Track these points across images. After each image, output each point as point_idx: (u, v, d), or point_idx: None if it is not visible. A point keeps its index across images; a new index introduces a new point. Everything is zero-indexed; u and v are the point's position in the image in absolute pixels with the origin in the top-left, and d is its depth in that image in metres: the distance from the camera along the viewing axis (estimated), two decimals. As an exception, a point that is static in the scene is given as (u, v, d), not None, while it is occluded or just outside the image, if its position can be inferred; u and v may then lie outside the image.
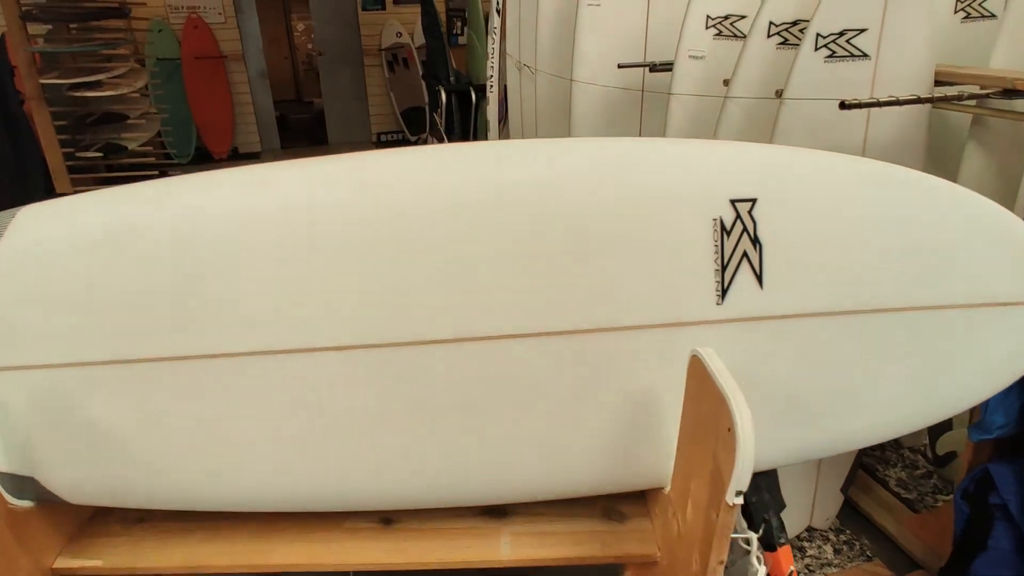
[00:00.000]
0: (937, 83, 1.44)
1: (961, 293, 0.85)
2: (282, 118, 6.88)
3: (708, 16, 1.67)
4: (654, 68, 1.97)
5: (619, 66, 2.09)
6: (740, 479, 0.64)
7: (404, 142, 6.84)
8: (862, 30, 1.33)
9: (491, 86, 3.07)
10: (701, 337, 0.86)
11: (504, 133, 3.38)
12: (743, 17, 1.68)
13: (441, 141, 3.35)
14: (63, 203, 0.94)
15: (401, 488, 0.91)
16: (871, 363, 0.86)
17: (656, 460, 0.91)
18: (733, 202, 0.84)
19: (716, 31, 1.68)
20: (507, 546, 0.96)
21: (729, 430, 0.65)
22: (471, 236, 0.83)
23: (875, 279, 0.84)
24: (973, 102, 1.33)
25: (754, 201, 0.84)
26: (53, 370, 0.89)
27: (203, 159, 6.01)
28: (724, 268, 0.85)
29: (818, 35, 1.33)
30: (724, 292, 0.85)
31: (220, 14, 5.66)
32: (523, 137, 3.02)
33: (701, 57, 1.69)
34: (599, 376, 0.87)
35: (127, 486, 0.93)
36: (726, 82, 1.64)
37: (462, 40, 5.71)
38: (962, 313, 0.85)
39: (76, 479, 0.92)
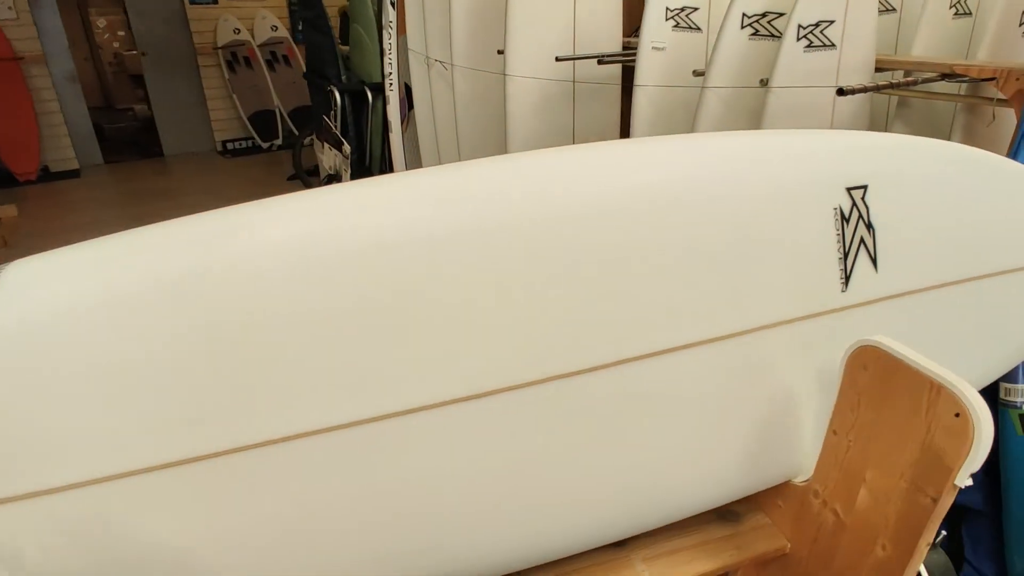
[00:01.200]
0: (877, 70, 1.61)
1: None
2: (97, 128, 5.92)
3: (667, 8, 1.70)
4: (602, 61, 1.97)
5: (557, 59, 2.06)
6: (974, 463, 0.64)
7: (255, 150, 6.25)
8: (831, 22, 1.44)
9: (391, 84, 2.89)
10: (831, 325, 0.86)
11: (409, 133, 3.22)
12: (696, 9, 1.74)
13: (334, 145, 3.10)
14: (63, 256, 0.69)
15: (564, 530, 0.81)
16: (975, 324, 0.93)
17: (788, 455, 0.91)
18: (849, 190, 0.85)
19: (675, 23, 1.72)
20: (646, 574, 0.90)
21: (958, 415, 0.65)
22: (623, 246, 0.75)
23: (970, 249, 0.90)
24: (957, 88, 1.48)
25: (866, 188, 0.86)
26: (84, 489, 0.66)
27: (4, 183, 4.98)
28: (846, 256, 0.86)
29: (799, 26, 1.41)
30: (848, 279, 0.86)
31: (11, 9, 4.70)
32: (436, 136, 2.88)
33: (663, 48, 1.72)
34: (742, 380, 0.84)
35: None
36: (697, 72, 1.68)
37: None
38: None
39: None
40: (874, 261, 0.88)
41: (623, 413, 0.79)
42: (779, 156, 0.85)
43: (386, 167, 3.44)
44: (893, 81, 1.47)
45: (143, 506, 0.68)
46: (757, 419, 0.87)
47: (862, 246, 0.87)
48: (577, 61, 2.09)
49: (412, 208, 0.71)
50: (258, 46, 5.90)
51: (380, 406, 0.70)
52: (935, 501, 0.69)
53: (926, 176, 0.90)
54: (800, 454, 0.91)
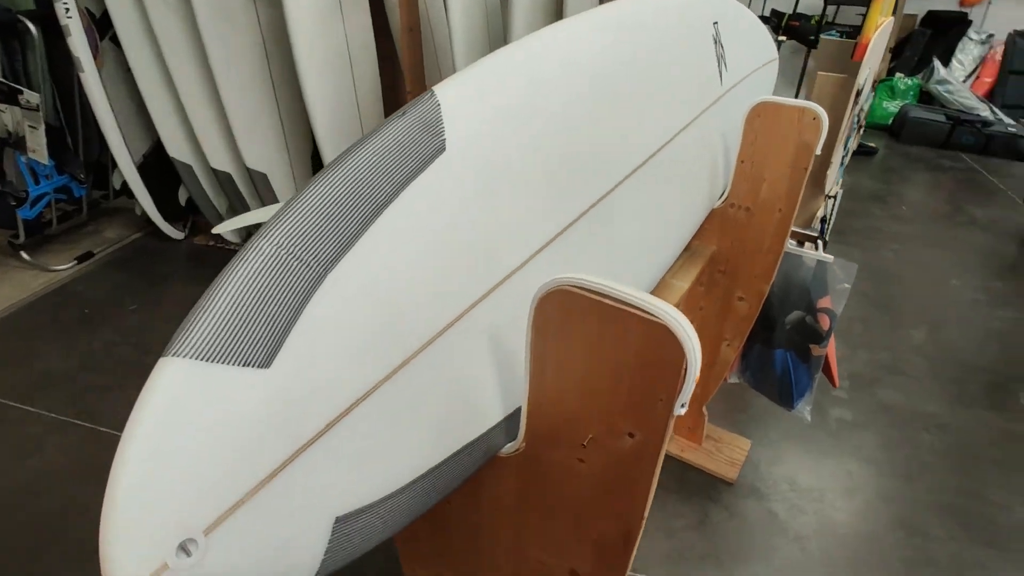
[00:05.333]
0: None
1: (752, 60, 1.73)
2: None
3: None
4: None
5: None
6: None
7: None
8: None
9: (67, 10, 2.38)
10: (720, 104, 1.49)
11: (108, 70, 2.70)
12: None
13: (5, 100, 2.42)
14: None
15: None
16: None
17: (718, 188, 1.54)
18: (714, 24, 1.46)
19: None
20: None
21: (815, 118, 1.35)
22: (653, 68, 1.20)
23: (748, 53, 1.63)
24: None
25: (717, 23, 1.48)
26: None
27: None
28: (719, 63, 1.48)
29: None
30: (721, 77, 1.49)
31: None
32: (170, 70, 2.53)
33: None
34: (704, 147, 1.41)
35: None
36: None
37: None
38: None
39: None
40: (725, 65, 1.52)
41: (668, 180, 1.27)
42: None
43: (73, 118, 2.78)
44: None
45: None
46: (707, 170, 1.46)
47: (722, 57, 1.50)
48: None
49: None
50: None
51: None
52: (806, 170, 1.40)
53: (726, 13, 1.57)
54: (724, 184, 1.56)
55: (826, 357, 1.65)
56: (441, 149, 0.66)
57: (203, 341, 0.46)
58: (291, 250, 0.52)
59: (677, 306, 0.79)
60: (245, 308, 0.49)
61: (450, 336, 0.66)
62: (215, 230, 2.00)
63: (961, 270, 3.38)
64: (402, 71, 2.43)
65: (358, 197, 0.57)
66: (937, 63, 5.61)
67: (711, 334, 1.81)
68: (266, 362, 0.49)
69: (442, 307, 0.65)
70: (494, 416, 0.74)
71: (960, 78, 5.76)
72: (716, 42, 1.46)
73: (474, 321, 0.69)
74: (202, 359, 0.46)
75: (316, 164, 2.91)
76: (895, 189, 4.43)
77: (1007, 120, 5.24)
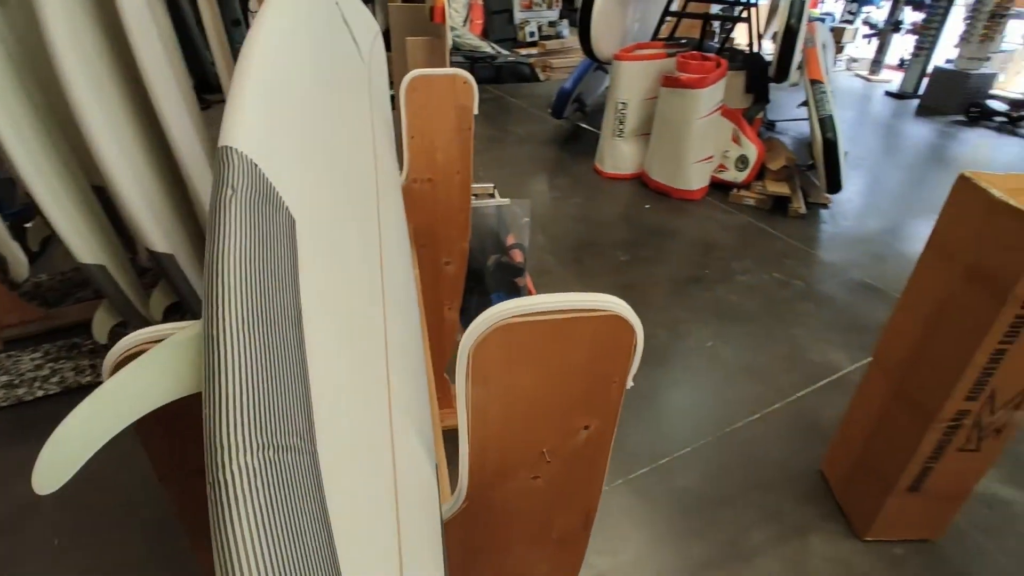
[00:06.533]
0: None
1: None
2: None
3: None
4: None
5: None
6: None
7: None
8: None
9: None
10: (372, 83, 1.46)
11: None
12: None
13: None
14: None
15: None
16: None
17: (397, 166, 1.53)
18: (337, 3, 1.39)
19: None
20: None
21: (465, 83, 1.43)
22: None
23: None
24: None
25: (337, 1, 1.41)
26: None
27: None
28: (356, 45, 1.43)
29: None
30: (362, 57, 1.45)
31: None
32: None
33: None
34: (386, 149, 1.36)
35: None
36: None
37: None
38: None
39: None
40: (357, 44, 1.48)
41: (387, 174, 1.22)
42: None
43: None
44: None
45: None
46: (389, 153, 1.43)
47: (354, 37, 1.44)
48: None
49: None
50: None
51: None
52: (469, 130, 1.49)
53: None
54: (401, 163, 1.54)
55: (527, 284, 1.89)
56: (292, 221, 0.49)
57: None
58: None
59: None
60: None
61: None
62: None
63: (532, 179, 4.18)
64: None
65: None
66: (439, 13, 6.50)
67: (431, 304, 1.86)
68: None
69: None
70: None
71: (460, 23, 6.82)
72: (345, 21, 1.40)
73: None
74: None
75: None
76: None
77: (504, 52, 6.50)
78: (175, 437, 0.62)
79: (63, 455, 0.36)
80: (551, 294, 0.57)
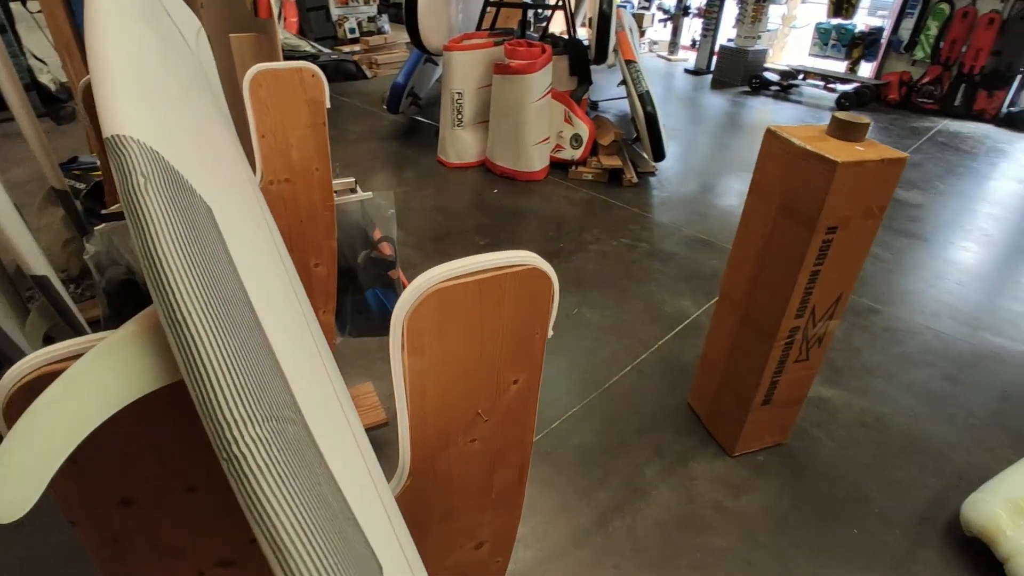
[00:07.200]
0: None
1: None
2: None
3: None
4: None
5: None
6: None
7: None
8: None
9: None
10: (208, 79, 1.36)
11: None
12: None
13: None
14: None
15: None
16: None
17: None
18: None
19: None
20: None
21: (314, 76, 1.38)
22: None
23: None
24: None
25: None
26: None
27: None
28: (182, 35, 1.32)
29: None
30: (191, 48, 1.34)
31: None
32: None
33: None
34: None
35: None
36: None
37: None
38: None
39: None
40: (183, 35, 1.36)
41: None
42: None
43: None
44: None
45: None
46: (238, 155, 1.33)
47: (178, 28, 1.33)
48: None
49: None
50: None
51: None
52: (324, 124, 1.44)
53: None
54: (253, 165, 1.44)
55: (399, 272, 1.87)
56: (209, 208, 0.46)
57: None
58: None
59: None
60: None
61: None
62: None
63: (379, 175, 4.11)
64: None
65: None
66: (248, 12, 6.07)
67: (304, 311, 1.78)
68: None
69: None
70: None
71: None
72: (168, 14, 1.28)
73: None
74: None
75: None
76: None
77: (325, 50, 6.25)
78: (80, 475, 0.56)
79: (17, 477, 0.32)
80: (470, 256, 0.60)
